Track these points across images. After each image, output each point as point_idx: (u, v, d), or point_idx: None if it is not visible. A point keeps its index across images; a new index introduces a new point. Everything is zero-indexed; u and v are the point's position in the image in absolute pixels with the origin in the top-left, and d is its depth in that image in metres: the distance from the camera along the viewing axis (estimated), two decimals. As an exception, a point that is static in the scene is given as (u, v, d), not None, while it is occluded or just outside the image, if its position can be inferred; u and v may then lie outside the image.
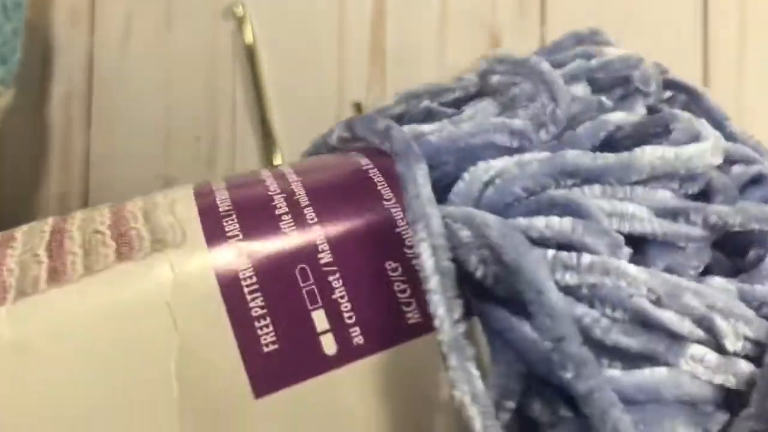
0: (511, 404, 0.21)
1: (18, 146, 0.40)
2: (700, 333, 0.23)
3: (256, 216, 0.23)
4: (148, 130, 0.40)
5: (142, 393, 0.20)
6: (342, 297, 0.21)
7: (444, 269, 0.22)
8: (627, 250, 0.23)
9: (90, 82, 0.40)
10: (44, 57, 0.40)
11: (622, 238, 0.23)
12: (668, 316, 0.22)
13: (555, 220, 0.23)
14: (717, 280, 0.24)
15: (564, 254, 0.22)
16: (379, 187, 0.24)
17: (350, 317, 0.21)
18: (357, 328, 0.21)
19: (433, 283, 0.21)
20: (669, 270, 0.24)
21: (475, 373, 0.21)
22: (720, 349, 0.23)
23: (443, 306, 0.21)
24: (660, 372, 0.22)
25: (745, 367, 0.23)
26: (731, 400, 0.23)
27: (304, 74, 0.41)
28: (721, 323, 0.23)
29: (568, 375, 0.20)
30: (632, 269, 0.22)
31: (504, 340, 0.22)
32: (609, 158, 0.24)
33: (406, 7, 0.42)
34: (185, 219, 0.23)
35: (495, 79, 0.29)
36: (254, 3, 0.41)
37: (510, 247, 0.22)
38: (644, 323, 0.22)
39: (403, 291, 0.21)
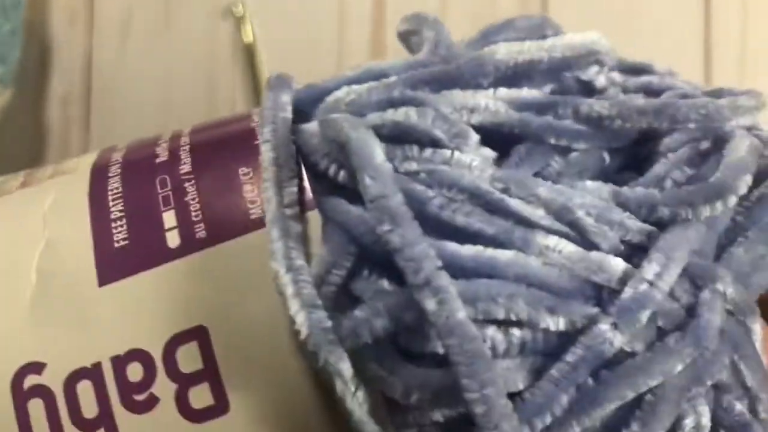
0: (336, 278, 0.21)
1: (16, 146, 0.42)
2: (560, 226, 0.22)
3: (139, 148, 0.26)
4: (147, 129, 0.41)
5: (3, 281, 0.23)
6: (193, 199, 0.23)
7: (281, 163, 0.23)
8: (485, 151, 0.23)
9: (89, 81, 0.42)
10: (43, 57, 0.42)
11: (468, 128, 0.23)
12: (515, 203, 0.22)
13: (389, 111, 0.22)
14: (589, 184, 0.23)
15: (405, 146, 0.22)
16: (253, 114, 0.26)
17: (197, 216, 0.23)
18: (201, 225, 0.23)
19: (268, 173, 0.22)
20: (540, 176, 0.23)
21: (296, 247, 0.21)
22: (590, 246, 0.22)
23: (272, 190, 0.22)
24: (503, 252, 0.21)
25: (617, 264, 0.22)
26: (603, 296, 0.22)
27: (304, 74, 0.42)
28: (585, 218, 0.22)
29: (384, 228, 0.20)
30: (478, 162, 0.22)
31: (336, 223, 0.21)
32: (462, 59, 0.24)
33: (407, 5, 0.42)
34: (85, 158, 0.26)
35: (414, 40, 0.29)
36: (254, 2, 0.42)
37: (345, 127, 0.21)
38: (489, 208, 0.21)
39: (252, 191, 0.23)
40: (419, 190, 0.21)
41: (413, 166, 0.22)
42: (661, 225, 0.23)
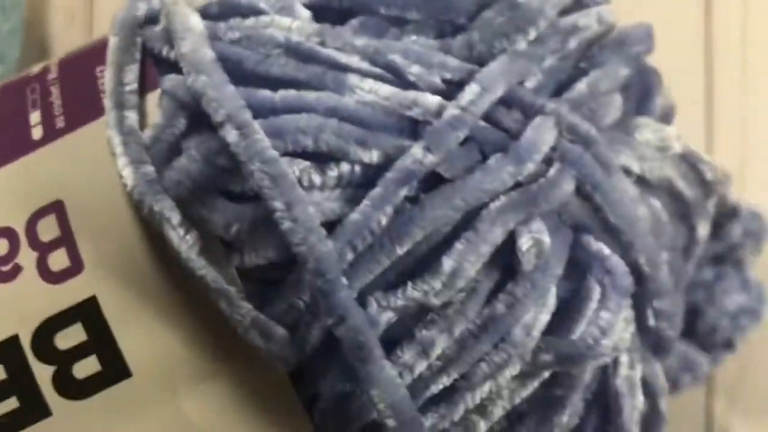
0: (168, 137, 0.23)
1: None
2: (376, 70, 0.24)
3: (20, 73, 0.29)
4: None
5: None
6: (56, 98, 0.26)
7: (123, 49, 0.25)
8: (305, 14, 0.25)
9: (89, 82, 0.44)
10: (42, 57, 0.43)
11: (295, 2, 0.25)
12: (328, 51, 0.23)
13: None
14: (414, 37, 0.24)
15: (230, 19, 0.24)
16: None
17: (59, 111, 0.25)
18: (62, 117, 0.25)
19: (110, 57, 0.25)
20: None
21: (130, 116, 0.23)
22: (407, 87, 0.24)
23: (112, 70, 0.25)
24: (312, 93, 0.23)
25: (433, 100, 0.23)
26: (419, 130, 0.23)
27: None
28: (401, 60, 0.23)
29: (190, 79, 0.22)
30: (297, 24, 0.24)
31: (166, 92, 0.23)
32: None
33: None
34: None
35: None
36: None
37: (169, 6, 0.24)
38: (303, 58, 0.23)
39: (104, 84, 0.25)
40: (235, 51, 0.23)
41: (236, 34, 0.24)
42: (483, 63, 0.24)
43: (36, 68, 0.27)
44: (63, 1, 0.43)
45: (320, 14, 0.25)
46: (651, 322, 0.26)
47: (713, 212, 0.29)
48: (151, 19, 0.26)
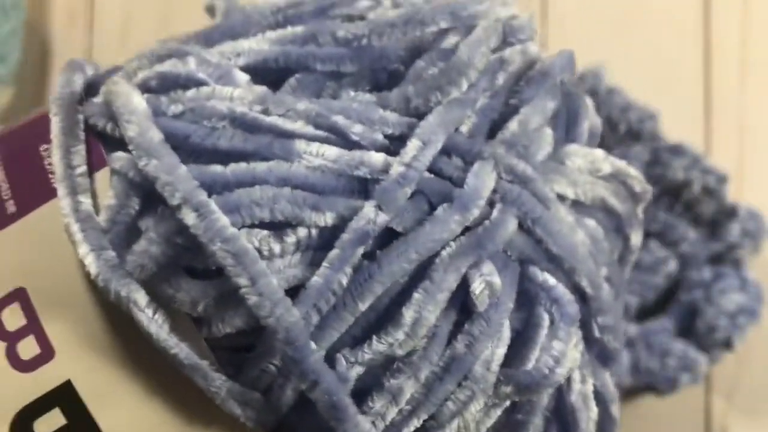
0: (124, 218, 0.24)
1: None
2: (320, 133, 0.24)
3: None
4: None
5: None
6: (3, 181, 0.26)
7: (67, 130, 0.25)
8: (243, 78, 0.25)
9: (88, 81, 0.43)
10: (43, 57, 0.43)
11: (234, 68, 0.25)
12: (273, 119, 0.24)
13: (156, 66, 0.25)
14: (353, 94, 0.25)
15: (171, 92, 0.24)
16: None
17: (7, 194, 0.25)
18: (12, 201, 0.25)
19: (56, 140, 0.25)
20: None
21: (84, 201, 0.24)
22: (351, 146, 0.24)
23: (59, 154, 0.25)
24: (263, 163, 0.23)
25: (378, 158, 0.24)
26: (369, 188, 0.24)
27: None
28: (343, 121, 0.24)
29: (142, 163, 0.23)
30: (238, 92, 0.24)
31: (116, 172, 0.24)
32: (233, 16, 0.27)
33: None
34: None
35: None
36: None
37: (109, 84, 0.24)
38: (248, 128, 0.24)
39: (51, 164, 0.25)
40: (180, 127, 0.24)
41: (179, 107, 0.24)
42: (420, 115, 0.25)
43: None
44: (64, 2, 0.43)
45: (257, 75, 0.26)
46: (596, 334, 0.27)
47: (642, 218, 0.31)
48: (89, 90, 0.26)
